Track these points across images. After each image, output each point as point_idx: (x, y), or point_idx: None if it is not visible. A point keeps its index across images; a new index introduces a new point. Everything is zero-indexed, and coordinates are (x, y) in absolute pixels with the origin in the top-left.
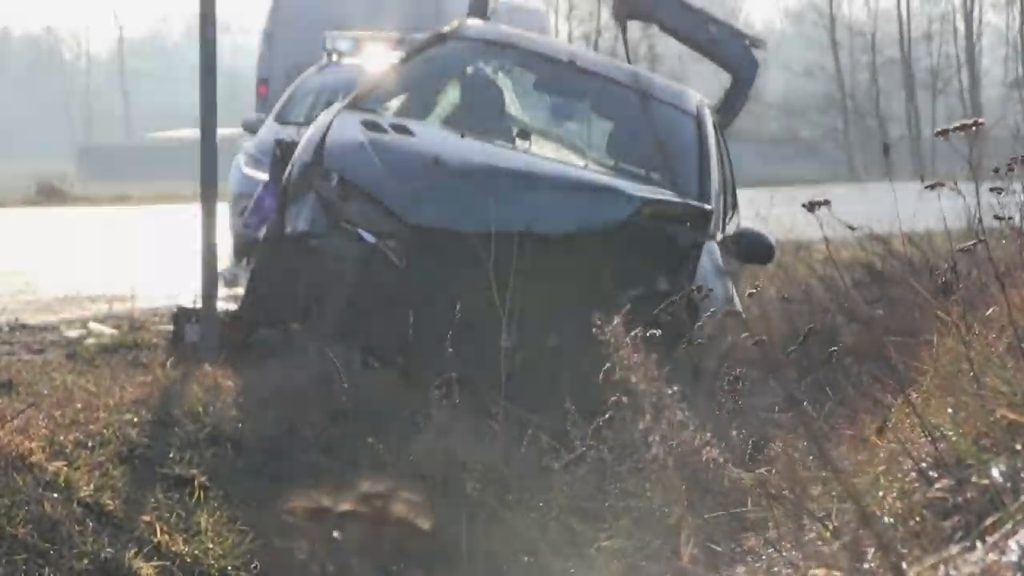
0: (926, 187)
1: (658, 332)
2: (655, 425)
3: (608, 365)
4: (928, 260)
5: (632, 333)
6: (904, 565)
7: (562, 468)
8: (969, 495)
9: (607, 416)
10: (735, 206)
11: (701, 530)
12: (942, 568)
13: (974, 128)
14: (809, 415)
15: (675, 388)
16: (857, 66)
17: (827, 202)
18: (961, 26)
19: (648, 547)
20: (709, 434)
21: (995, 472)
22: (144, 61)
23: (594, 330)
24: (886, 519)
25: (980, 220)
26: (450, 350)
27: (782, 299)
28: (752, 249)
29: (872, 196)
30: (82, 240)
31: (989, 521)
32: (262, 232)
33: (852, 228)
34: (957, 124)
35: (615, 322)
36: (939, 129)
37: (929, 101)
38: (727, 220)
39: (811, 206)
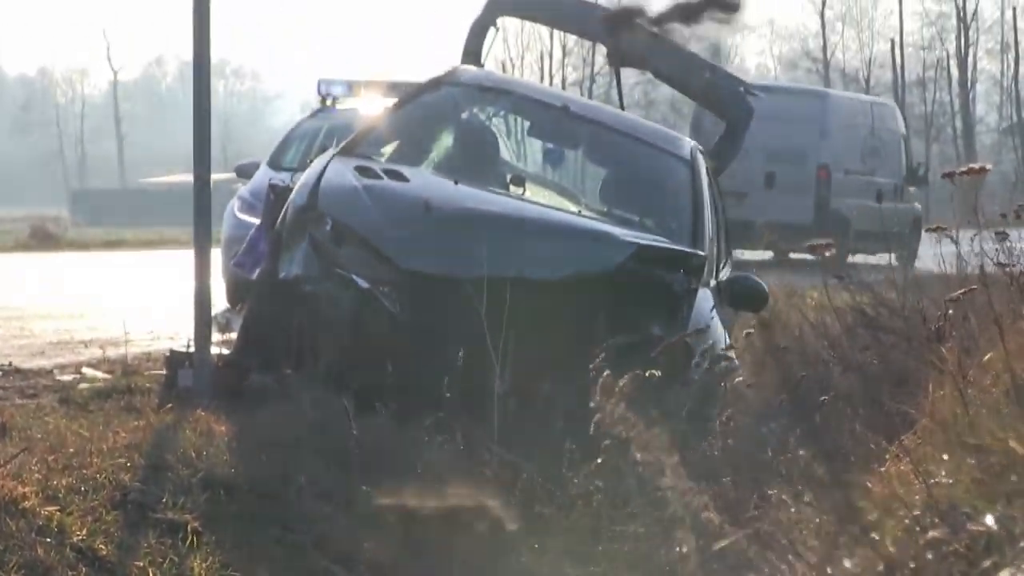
0: (927, 231)
1: (657, 373)
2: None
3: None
4: (920, 308)
5: (623, 378)
6: None
7: (556, 512)
8: (964, 541)
9: (600, 461)
10: (729, 252)
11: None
12: None
13: (980, 173)
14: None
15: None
16: None
17: (830, 245)
18: (956, 72)
19: None
20: (706, 497)
21: (990, 519)
22: (137, 105)
23: (584, 378)
24: (880, 567)
25: (982, 268)
26: (444, 395)
27: (775, 347)
28: (746, 296)
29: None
30: (75, 284)
31: (985, 566)
32: (254, 273)
33: (840, 278)
34: (964, 168)
35: (603, 374)
36: (946, 172)
37: (923, 147)
38: (721, 266)
39: (813, 248)
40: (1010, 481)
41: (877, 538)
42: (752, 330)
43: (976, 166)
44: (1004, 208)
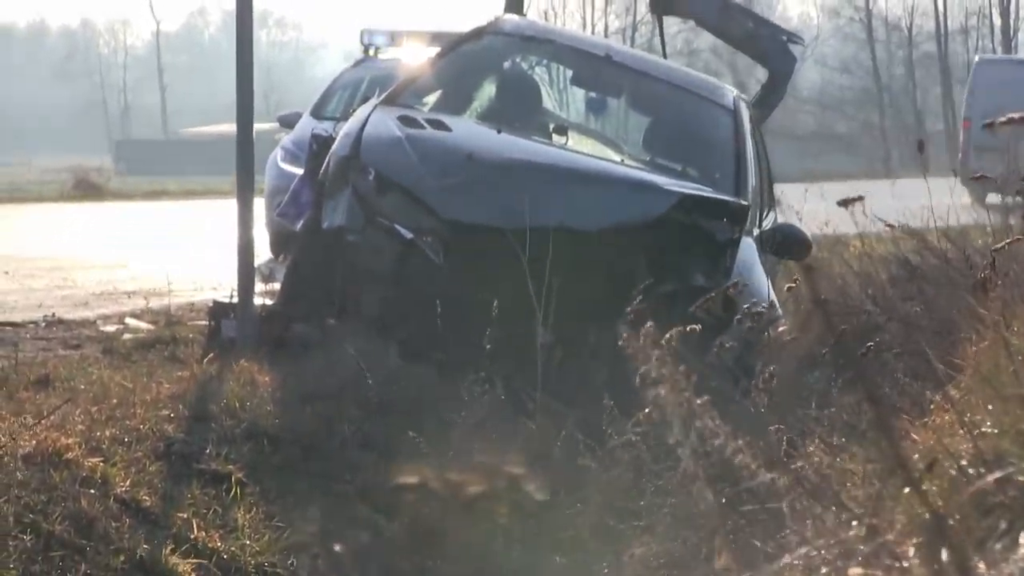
0: (971, 179)
1: (698, 327)
2: (684, 439)
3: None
4: (966, 256)
5: (666, 330)
6: (943, 564)
7: (599, 466)
8: (1011, 493)
9: (644, 413)
10: (772, 202)
11: (740, 530)
12: (983, 567)
13: (1021, 123)
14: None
15: (705, 397)
16: (893, 61)
17: (861, 198)
18: (998, 20)
19: (686, 545)
20: (740, 441)
21: None
22: (180, 55)
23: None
24: (927, 517)
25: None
26: (486, 346)
27: (814, 303)
28: (789, 245)
29: (907, 191)
30: (119, 235)
31: None
32: (297, 224)
33: (889, 225)
34: (1005, 118)
35: (646, 324)
36: (986, 121)
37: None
38: (764, 215)
39: (845, 203)
40: None
41: (923, 489)
42: (794, 284)
43: (1017, 115)
44: None
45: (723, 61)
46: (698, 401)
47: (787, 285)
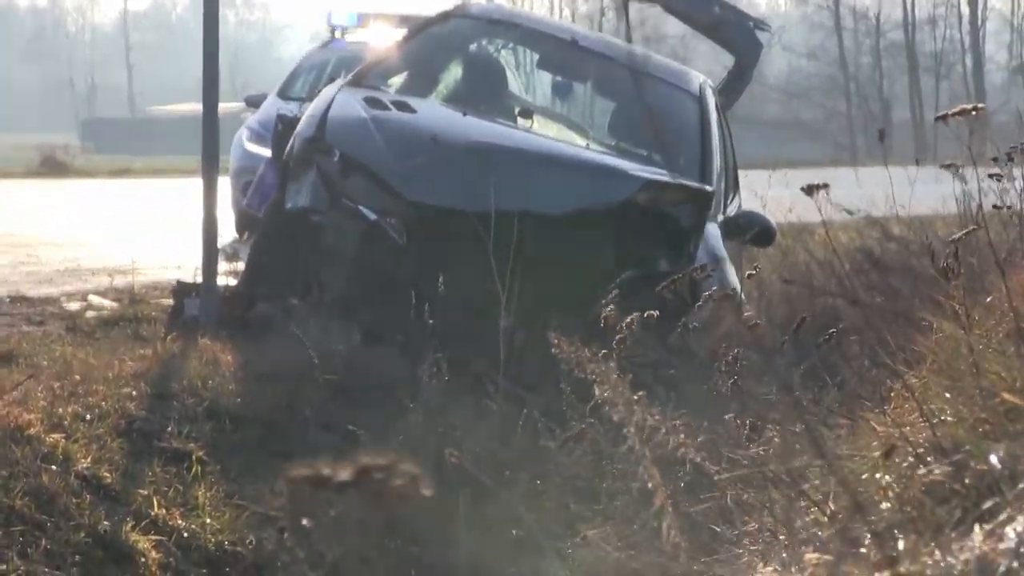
0: (942, 167)
1: (656, 313)
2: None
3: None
4: (928, 245)
5: (628, 315)
6: (899, 551)
7: (558, 448)
8: (967, 481)
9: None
10: (736, 188)
11: (696, 515)
12: (938, 554)
13: (974, 113)
14: (803, 402)
15: (641, 392)
16: (861, 49)
17: (825, 186)
18: (966, 11)
19: (642, 528)
20: (683, 435)
21: (993, 458)
22: (148, 34)
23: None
24: (884, 504)
25: (980, 207)
26: (450, 328)
27: (783, 281)
28: (753, 232)
29: (872, 179)
30: (84, 213)
31: (986, 507)
32: (263, 210)
33: (849, 212)
34: (957, 109)
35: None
36: (939, 114)
37: (933, 85)
38: (728, 202)
39: (809, 190)
40: (1013, 420)
41: (880, 476)
42: (754, 271)
43: (969, 106)
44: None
45: (689, 47)
46: (635, 396)
47: (747, 272)
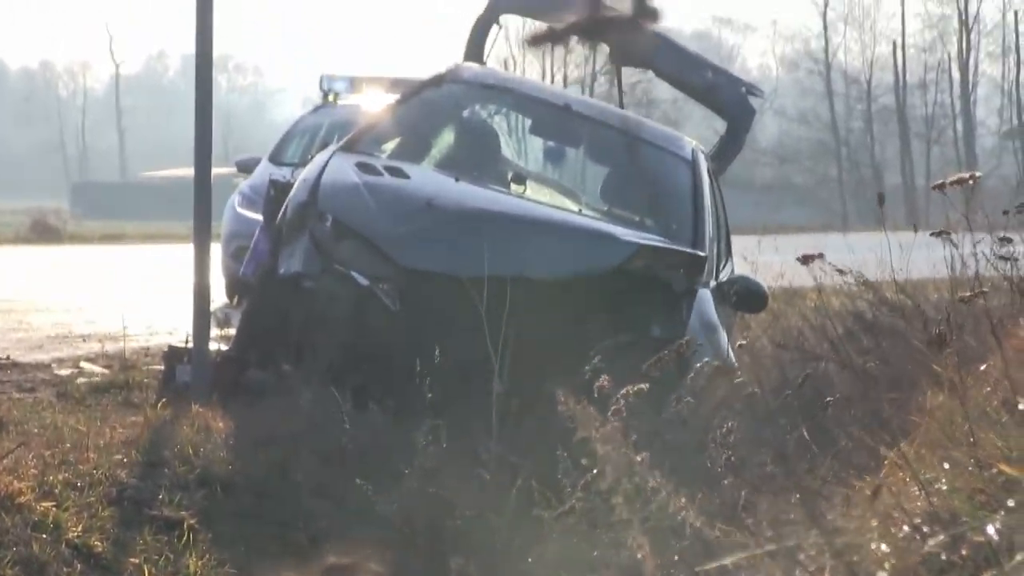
0: (932, 234)
1: (646, 386)
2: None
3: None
4: (921, 311)
5: (621, 382)
6: None
7: (552, 517)
8: (964, 552)
9: (597, 469)
10: (729, 253)
11: None
12: None
13: (970, 182)
14: (797, 471)
15: (645, 454)
16: (852, 114)
17: (820, 256)
18: (957, 76)
19: None
20: (684, 499)
21: (990, 529)
22: (140, 98)
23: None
24: (880, 574)
25: (977, 274)
26: (430, 394)
27: (776, 346)
28: (745, 297)
29: (863, 244)
30: (75, 278)
31: None
32: (255, 275)
33: (841, 272)
34: (954, 178)
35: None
36: (936, 183)
37: (924, 150)
38: (721, 267)
39: (805, 259)
40: (1010, 492)
41: (876, 547)
42: (744, 341)
43: (966, 175)
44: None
45: (682, 112)
46: (638, 458)
47: (739, 342)
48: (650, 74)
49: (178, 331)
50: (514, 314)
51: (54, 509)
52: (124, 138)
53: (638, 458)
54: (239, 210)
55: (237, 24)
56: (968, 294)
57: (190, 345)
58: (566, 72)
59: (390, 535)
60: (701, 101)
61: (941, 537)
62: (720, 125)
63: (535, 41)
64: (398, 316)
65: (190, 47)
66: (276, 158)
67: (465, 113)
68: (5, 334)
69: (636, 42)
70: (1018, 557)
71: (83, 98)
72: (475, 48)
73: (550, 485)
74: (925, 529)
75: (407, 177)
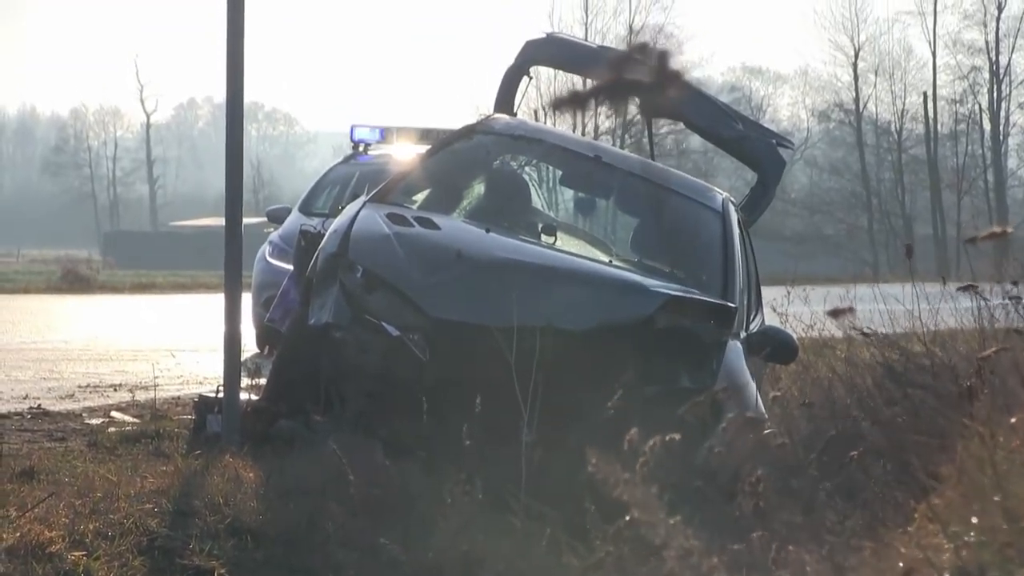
0: (958, 289)
1: (677, 436)
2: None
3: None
4: (951, 365)
5: (649, 436)
6: None
7: (582, 568)
8: None
9: (627, 518)
10: (759, 304)
11: None
12: None
13: (1003, 235)
14: (826, 523)
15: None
16: (882, 164)
17: (851, 309)
18: (987, 126)
19: None
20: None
21: None
22: (170, 147)
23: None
24: None
25: (1008, 328)
26: (470, 444)
27: (803, 404)
28: (776, 348)
29: (895, 295)
30: (106, 327)
31: None
32: (286, 325)
33: (865, 334)
34: (986, 233)
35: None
36: (968, 237)
37: (954, 200)
38: (751, 318)
39: (835, 313)
40: None
41: None
42: (779, 393)
43: (998, 230)
44: None
45: (712, 163)
46: (671, 521)
47: (772, 394)
48: (681, 125)
49: (209, 381)
50: (543, 364)
51: (85, 558)
52: (155, 187)
53: (671, 522)
54: (270, 260)
55: (268, 71)
56: (991, 351)
57: (221, 395)
58: (596, 123)
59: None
60: (731, 152)
61: None
62: (751, 176)
63: (558, 105)
64: (428, 366)
65: (220, 95)
66: (306, 208)
67: (495, 164)
68: (36, 383)
69: (664, 98)
70: None
71: (114, 147)
72: (505, 99)
73: (579, 535)
74: None
75: (437, 228)
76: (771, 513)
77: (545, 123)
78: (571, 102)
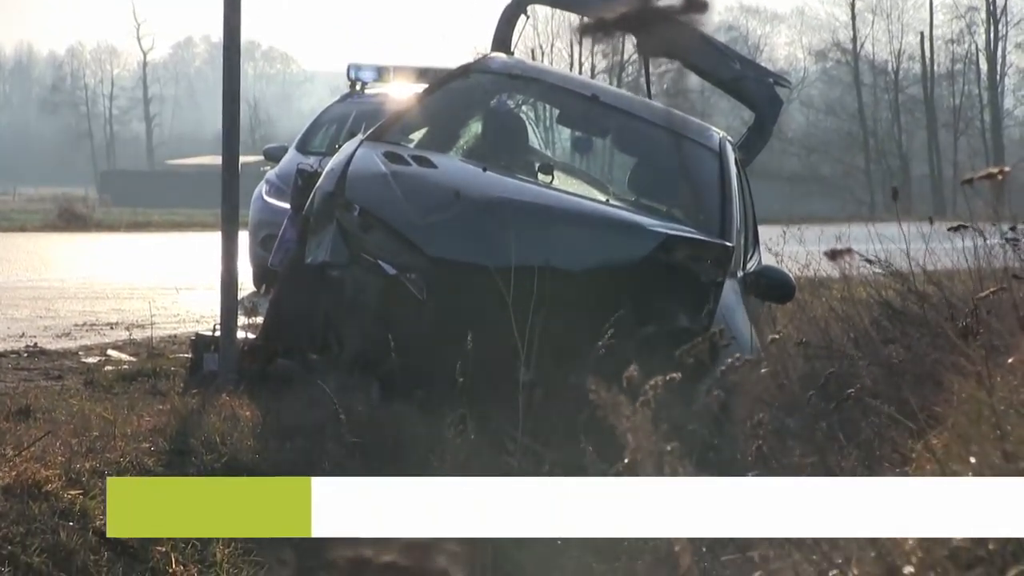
0: (949, 229)
1: (678, 375)
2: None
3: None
4: (948, 302)
5: (650, 381)
6: None
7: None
8: (991, 548)
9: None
10: (756, 243)
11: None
12: None
13: (999, 176)
14: (827, 464)
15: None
16: (879, 104)
17: (849, 251)
18: (984, 66)
19: None
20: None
21: None
22: (167, 86)
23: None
24: (907, 569)
25: (1008, 270)
26: (468, 383)
27: (799, 343)
28: (773, 287)
29: (890, 235)
30: (102, 266)
31: (1012, 574)
32: (283, 263)
33: (870, 262)
34: (983, 173)
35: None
36: (965, 178)
37: (951, 140)
38: (748, 257)
39: (832, 255)
40: None
41: (903, 540)
42: (777, 335)
43: (995, 170)
44: None
45: (709, 103)
46: (668, 447)
47: (770, 336)
48: (678, 64)
49: (205, 319)
50: (541, 304)
51: (81, 497)
52: (151, 126)
53: (668, 447)
54: (267, 199)
55: (265, 9)
56: (989, 291)
57: (218, 333)
58: (593, 62)
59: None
60: (728, 92)
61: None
62: (748, 115)
63: (585, 31)
64: (425, 305)
65: (217, 33)
66: (303, 147)
67: (492, 103)
68: (33, 321)
69: (678, 34)
70: None
71: (110, 86)
72: (502, 38)
73: (575, 473)
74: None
75: (434, 167)
76: (771, 452)
77: (542, 62)
78: (599, 28)
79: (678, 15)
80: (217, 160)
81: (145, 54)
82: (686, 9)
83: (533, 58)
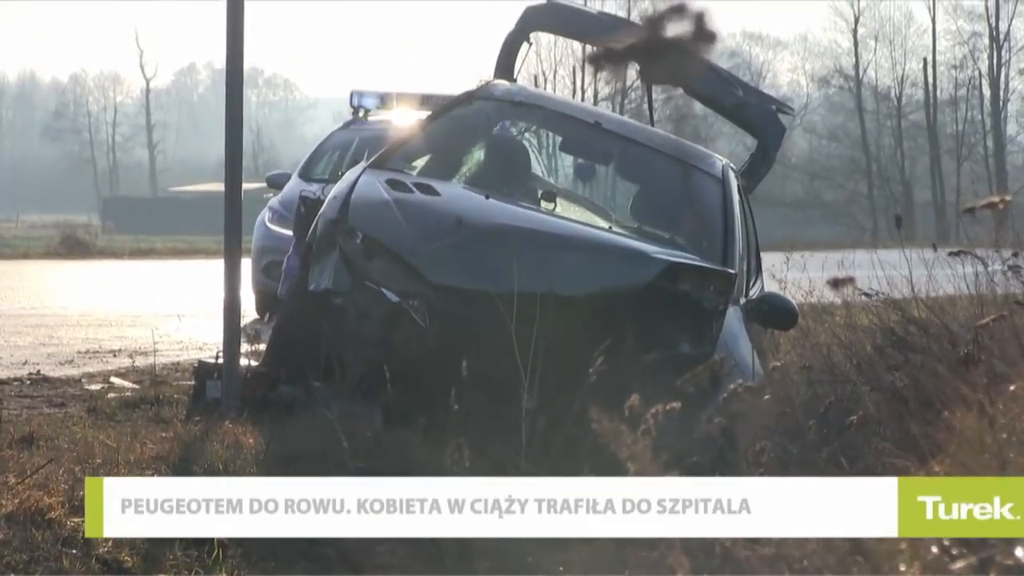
0: (950, 254)
1: (678, 405)
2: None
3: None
4: (949, 331)
5: (651, 409)
6: None
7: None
8: (992, 575)
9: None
10: (759, 270)
11: None
12: None
13: (1000, 206)
14: None
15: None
16: (882, 130)
17: (851, 279)
18: (987, 92)
19: None
20: None
21: (1019, 551)
22: (170, 112)
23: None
24: None
25: (1007, 297)
26: (465, 410)
27: (803, 368)
28: (775, 314)
29: (893, 261)
30: (105, 293)
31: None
32: (286, 291)
33: (867, 295)
34: (984, 201)
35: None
36: (966, 207)
37: (954, 166)
38: (751, 284)
39: (835, 283)
40: None
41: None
42: (778, 363)
43: (996, 199)
44: None
45: (712, 129)
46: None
47: (773, 364)
48: (681, 91)
49: (208, 346)
50: (544, 331)
51: (84, 525)
52: (154, 152)
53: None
54: (269, 226)
55: (268, 36)
56: (990, 319)
57: (220, 360)
58: (596, 88)
59: (418, 553)
60: (731, 119)
61: (970, 559)
62: (750, 142)
63: (593, 60)
64: (428, 332)
65: (220, 60)
66: (306, 174)
67: (495, 130)
68: (35, 349)
69: (685, 64)
70: None
71: (113, 112)
72: (505, 65)
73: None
74: (953, 551)
75: (437, 194)
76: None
77: (545, 89)
78: (608, 58)
79: (687, 45)
80: (220, 187)
81: (148, 81)
82: (695, 40)
83: (536, 85)
